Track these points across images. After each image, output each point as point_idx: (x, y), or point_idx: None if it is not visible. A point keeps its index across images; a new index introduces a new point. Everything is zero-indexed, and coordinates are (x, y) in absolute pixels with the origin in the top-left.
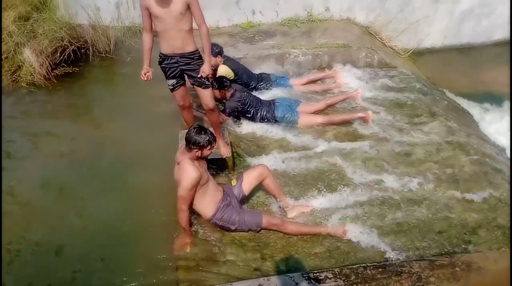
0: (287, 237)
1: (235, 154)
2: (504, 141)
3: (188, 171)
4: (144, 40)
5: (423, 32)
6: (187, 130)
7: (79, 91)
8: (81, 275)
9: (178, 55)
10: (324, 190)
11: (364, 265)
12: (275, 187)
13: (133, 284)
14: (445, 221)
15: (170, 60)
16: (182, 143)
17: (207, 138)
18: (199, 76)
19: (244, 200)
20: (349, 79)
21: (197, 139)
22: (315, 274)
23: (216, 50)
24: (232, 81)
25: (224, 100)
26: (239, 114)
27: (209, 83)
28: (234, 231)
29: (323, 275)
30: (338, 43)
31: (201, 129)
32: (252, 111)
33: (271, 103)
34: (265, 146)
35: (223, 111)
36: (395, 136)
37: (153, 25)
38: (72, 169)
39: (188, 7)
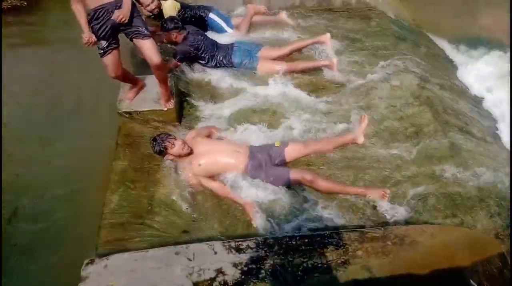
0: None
1: (185, 103)
2: (481, 89)
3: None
4: (75, 9)
5: None
6: None
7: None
8: None
9: (107, 4)
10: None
11: (290, 235)
12: (335, 143)
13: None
14: (395, 186)
15: (99, 14)
16: (123, 92)
17: (159, 144)
18: (114, 18)
19: (283, 163)
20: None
21: (158, 149)
22: (237, 243)
23: None
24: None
25: (175, 45)
26: (193, 59)
27: (148, 32)
28: None
29: (245, 244)
30: None
31: (154, 139)
32: (207, 57)
33: (228, 48)
34: (219, 95)
35: (174, 56)
36: (359, 88)
37: None
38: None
39: None
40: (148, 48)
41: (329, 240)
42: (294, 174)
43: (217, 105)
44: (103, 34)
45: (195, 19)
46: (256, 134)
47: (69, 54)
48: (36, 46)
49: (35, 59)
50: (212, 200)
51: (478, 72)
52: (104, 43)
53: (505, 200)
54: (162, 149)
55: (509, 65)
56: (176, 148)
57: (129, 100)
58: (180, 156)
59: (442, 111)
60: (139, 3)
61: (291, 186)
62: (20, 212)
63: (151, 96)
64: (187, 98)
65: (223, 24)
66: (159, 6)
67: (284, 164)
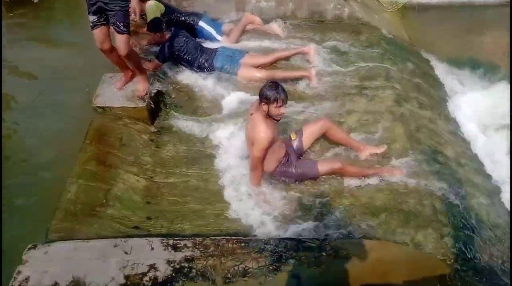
0: (177, 198)
1: (161, 103)
2: (464, 111)
3: (262, 132)
4: None
5: None
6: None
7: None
8: None
9: None
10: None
11: (228, 237)
12: (340, 136)
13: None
14: (352, 197)
15: None
16: (101, 87)
17: (277, 95)
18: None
19: (303, 153)
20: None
21: (267, 94)
22: (175, 241)
23: None
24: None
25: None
26: (175, 61)
27: (125, 29)
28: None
29: (182, 243)
30: None
31: (277, 86)
32: (189, 59)
33: (212, 52)
34: (197, 98)
35: (157, 57)
36: (336, 101)
37: None
38: None
39: None
40: (119, 41)
41: (265, 245)
42: (322, 165)
43: (193, 107)
44: (93, 10)
45: (184, 26)
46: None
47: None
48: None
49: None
50: (168, 200)
51: (464, 93)
52: (93, 18)
53: (458, 222)
54: (277, 98)
55: (509, 70)
56: (278, 111)
57: (117, 88)
58: (268, 117)
59: (415, 129)
60: None
61: (318, 178)
62: None
63: (125, 93)
64: (164, 98)
65: (213, 32)
66: (142, 10)
67: (303, 152)
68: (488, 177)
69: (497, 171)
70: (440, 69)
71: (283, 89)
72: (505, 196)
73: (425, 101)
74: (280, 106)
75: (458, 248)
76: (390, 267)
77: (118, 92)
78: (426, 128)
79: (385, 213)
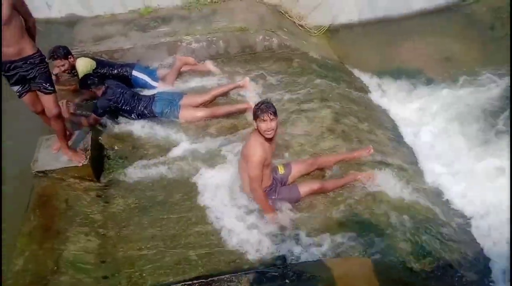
0: (133, 251)
1: (105, 158)
2: (400, 118)
3: (251, 149)
4: None
5: (337, 7)
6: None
7: None
8: None
9: (17, 61)
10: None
11: (189, 282)
12: (332, 161)
13: None
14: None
15: (9, 67)
16: (39, 151)
17: (260, 109)
18: None
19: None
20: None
21: (254, 110)
22: None
23: (64, 51)
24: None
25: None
26: (115, 112)
27: (52, 88)
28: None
29: None
30: (236, 27)
31: (263, 102)
32: (128, 109)
33: (150, 98)
34: (141, 146)
35: (94, 112)
36: (278, 127)
37: None
38: None
39: (15, 8)
40: (48, 101)
41: (229, 283)
42: (303, 188)
43: (138, 155)
44: (14, 81)
45: (118, 78)
46: None
47: None
48: None
49: None
50: (124, 255)
51: (398, 101)
52: (17, 88)
53: (412, 227)
54: (258, 112)
55: (510, 73)
56: (263, 125)
57: (55, 150)
58: (262, 136)
59: (356, 142)
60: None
61: (300, 200)
62: None
63: None
64: (107, 151)
65: (148, 79)
66: (73, 65)
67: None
68: (433, 178)
69: (439, 165)
70: (370, 82)
71: (269, 104)
72: (448, 195)
73: (362, 114)
74: (265, 121)
75: (417, 252)
76: (354, 282)
77: (57, 154)
78: (367, 140)
79: (342, 228)
